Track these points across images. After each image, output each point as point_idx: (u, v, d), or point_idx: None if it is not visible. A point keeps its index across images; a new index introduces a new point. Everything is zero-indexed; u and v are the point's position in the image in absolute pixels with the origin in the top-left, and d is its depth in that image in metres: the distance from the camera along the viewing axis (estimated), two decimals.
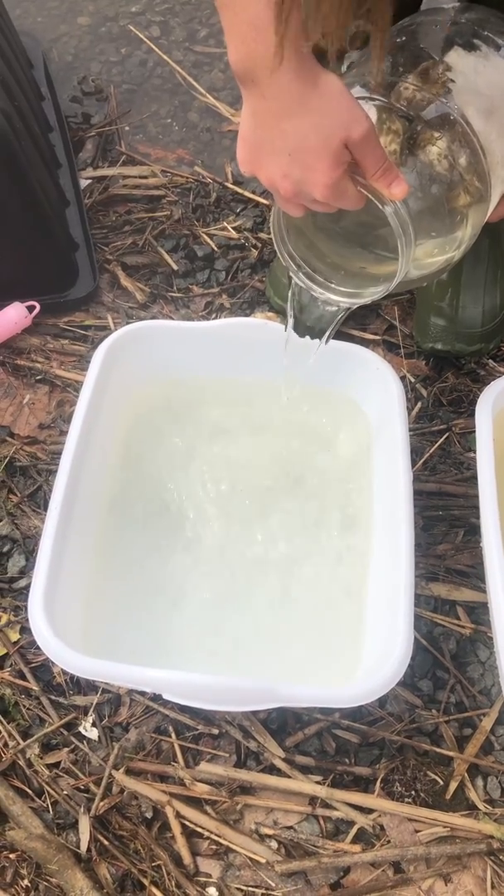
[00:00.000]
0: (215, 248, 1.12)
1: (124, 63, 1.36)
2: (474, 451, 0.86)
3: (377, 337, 1.04)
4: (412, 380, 1.00)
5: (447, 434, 0.96)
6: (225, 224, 1.15)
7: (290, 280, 0.73)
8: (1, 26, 1.11)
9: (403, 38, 0.73)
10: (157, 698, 0.78)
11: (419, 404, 0.98)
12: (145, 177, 1.21)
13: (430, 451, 0.94)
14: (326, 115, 0.59)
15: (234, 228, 1.14)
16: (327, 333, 0.76)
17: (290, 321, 0.77)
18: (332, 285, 0.72)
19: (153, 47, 1.38)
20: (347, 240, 0.73)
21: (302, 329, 0.77)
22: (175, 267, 1.11)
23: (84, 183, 1.19)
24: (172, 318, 1.06)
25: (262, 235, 1.14)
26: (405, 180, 0.62)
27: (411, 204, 0.65)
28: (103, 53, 1.38)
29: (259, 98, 0.60)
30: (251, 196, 1.18)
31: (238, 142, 0.63)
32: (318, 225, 0.72)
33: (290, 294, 0.75)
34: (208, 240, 1.13)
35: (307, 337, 0.77)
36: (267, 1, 0.56)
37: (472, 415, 0.82)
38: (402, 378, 0.98)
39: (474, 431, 0.79)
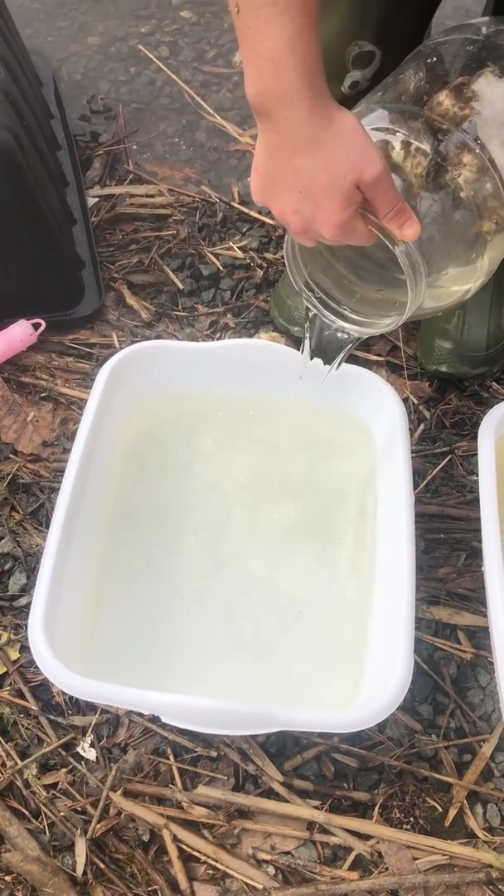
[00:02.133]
0: (221, 268, 1.13)
1: (133, 82, 1.37)
2: (476, 475, 0.86)
3: (381, 358, 1.04)
4: (415, 401, 1.00)
5: (449, 456, 0.95)
6: (231, 244, 1.16)
7: (307, 308, 0.73)
8: (11, 45, 1.12)
9: (434, 59, 0.71)
10: (155, 719, 0.78)
11: (422, 426, 0.98)
12: (152, 196, 1.21)
13: (433, 474, 0.94)
14: (339, 156, 0.59)
15: (239, 248, 1.15)
16: (338, 359, 0.76)
17: (306, 345, 0.77)
18: (346, 313, 0.72)
19: (162, 67, 1.39)
20: (365, 259, 0.72)
21: (314, 353, 0.77)
22: (180, 286, 1.11)
23: (91, 201, 1.19)
24: (177, 337, 1.06)
25: (268, 255, 1.14)
26: (417, 221, 0.62)
27: (432, 232, 0.65)
28: (112, 73, 1.39)
29: (273, 132, 0.60)
30: (257, 216, 1.19)
31: (252, 172, 0.64)
32: (334, 246, 0.72)
33: (306, 319, 0.75)
34: (214, 259, 1.14)
35: (317, 360, 0.78)
36: (288, 36, 0.56)
37: (474, 437, 0.82)
38: (405, 400, 0.98)
39: (477, 454, 0.79)
